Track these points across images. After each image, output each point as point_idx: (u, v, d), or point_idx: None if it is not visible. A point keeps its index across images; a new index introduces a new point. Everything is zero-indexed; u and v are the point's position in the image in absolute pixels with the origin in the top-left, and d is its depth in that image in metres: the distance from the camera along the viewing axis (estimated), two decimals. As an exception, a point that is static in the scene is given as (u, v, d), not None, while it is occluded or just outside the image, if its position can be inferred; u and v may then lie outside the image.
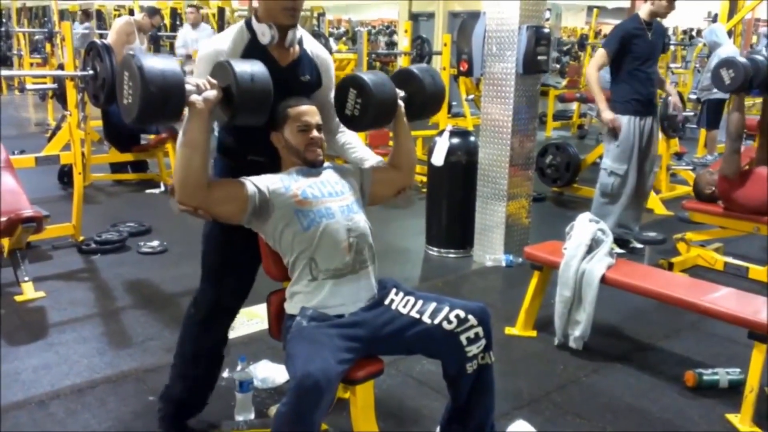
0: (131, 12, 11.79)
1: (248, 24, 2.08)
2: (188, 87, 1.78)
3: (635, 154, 4.32)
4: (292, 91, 2.06)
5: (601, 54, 4.33)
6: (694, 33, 17.40)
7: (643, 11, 4.27)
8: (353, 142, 2.30)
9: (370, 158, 2.26)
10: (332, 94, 2.22)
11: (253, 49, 2.02)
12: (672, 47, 11.57)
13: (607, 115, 4.27)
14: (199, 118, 1.82)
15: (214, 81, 1.84)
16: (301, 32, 2.14)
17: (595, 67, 4.35)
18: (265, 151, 2.10)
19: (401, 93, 2.15)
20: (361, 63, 7.31)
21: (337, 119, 2.26)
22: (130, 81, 1.72)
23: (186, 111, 1.82)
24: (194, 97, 1.80)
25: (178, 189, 1.87)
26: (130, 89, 1.72)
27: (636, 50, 4.22)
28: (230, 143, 2.11)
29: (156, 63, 1.70)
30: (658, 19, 4.33)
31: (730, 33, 7.73)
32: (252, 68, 1.83)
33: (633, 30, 4.25)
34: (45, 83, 6.52)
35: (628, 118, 4.28)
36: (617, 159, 4.33)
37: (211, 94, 1.81)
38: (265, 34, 2.02)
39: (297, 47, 2.12)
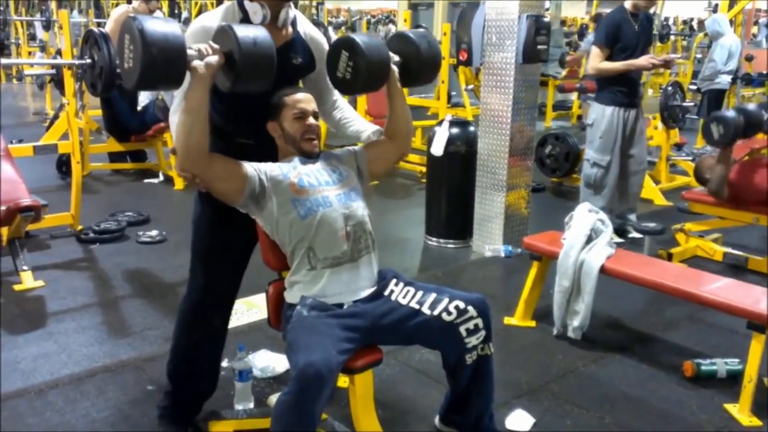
0: (129, 0, 11.72)
1: (240, 3, 2.04)
2: (190, 52, 1.75)
3: (618, 146, 4.32)
4: (284, 75, 2.02)
5: (596, 52, 4.31)
6: (695, 24, 17.34)
7: (628, 2, 4.27)
8: (349, 116, 2.28)
9: (367, 129, 2.24)
10: (328, 78, 2.20)
11: None
12: (672, 37, 11.52)
13: (644, 61, 4.19)
14: (201, 83, 1.80)
15: (216, 46, 1.81)
16: (294, 13, 2.11)
17: (596, 62, 4.31)
18: (255, 134, 2.08)
19: (396, 58, 2.12)
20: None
21: (333, 99, 2.25)
22: (131, 44, 1.69)
23: (187, 77, 1.80)
24: (196, 63, 1.77)
25: (180, 155, 1.86)
26: (131, 53, 1.69)
27: (623, 40, 4.22)
28: (219, 123, 2.06)
29: (157, 26, 1.68)
30: (651, 10, 4.31)
31: (730, 23, 7.71)
32: (254, 33, 1.80)
33: (619, 20, 4.25)
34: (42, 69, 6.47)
35: (612, 108, 4.28)
36: (600, 150, 4.34)
37: (213, 59, 1.79)
38: (257, 12, 1.99)
39: (290, 29, 2.09)
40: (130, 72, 1.71)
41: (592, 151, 4.39)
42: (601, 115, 4.32)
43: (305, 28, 2.16)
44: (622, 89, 4.27)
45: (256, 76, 1.83)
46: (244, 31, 1.78)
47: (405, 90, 2.31)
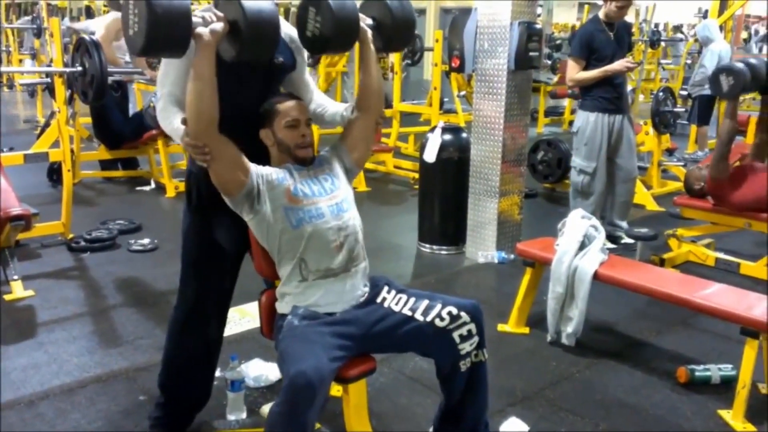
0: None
1: (216, 5, 2.05)
2: (195, 20, 1.76)
3: (604, 152, 4.32)
4: (267, 74, 2.04)
5: (571, 64, 4.34)
6: (684, 29, 17.42)
7: (602, 12, 4.30)
8: (322, 103, 2.28)
9: (340, 108, 2.24)
10: (306, 75, 2.24)
11: None
12: (663, 43, 11.58)
13: (619, 65, 4.20)
14: (206, 51, 1.80)
15: (220, 14, 1.81)
16: None
17: (573, 73, 4.34)
18: (246, 139, 2.07)
19: (368, 20, 2.13)
20: (352, 59, 7.27)
21: (309, 95, 2.26)
22: (135, 8, 1.69)
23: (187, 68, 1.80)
24: (201, 29, 1.78)
25: (192, 122, 1.86)
26: (135, 17, 1.69)
27: (597, 50, 4.23)
28: None
29: None
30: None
31: (720, 29, 7.75)
32: (259, 1, 1.81)
33: (593, 31, 4.28)
34: (34, 78, 6.44)
35: (596, 115, 4.29)
36: (585, 157, 4.35)
37: (219, 26, 1.79)
38: None
39: None
40: (136, 37, 1.71)
41: (578, 159, 4.41)
42: (585, 122, 4.33)
43: (284, 28, 2.17)
44: (604, 95, 4.28)
45: (261, 44, 1.83)
46: None
47: (396, 95, 2.30)
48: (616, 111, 4.31)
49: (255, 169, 1.98)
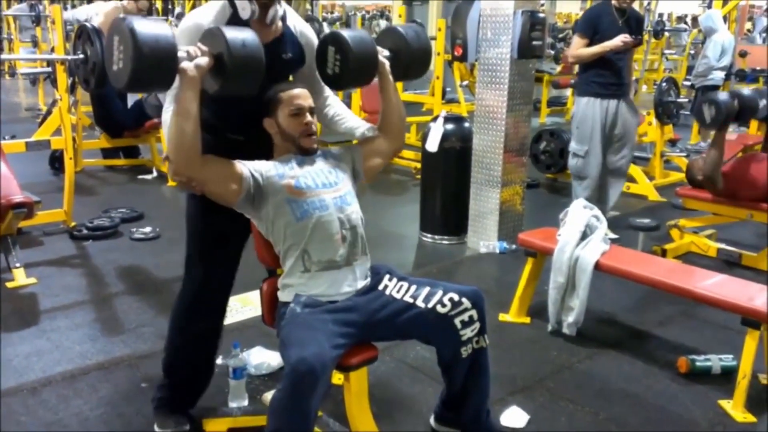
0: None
1: None
2: (179, 54, 1.74)
3: (597, 136, 4.30)
4: (274, 69, 2.02)
5: (576, 41, 4.34)
6: (688, 19, 17.36)
7: None
8: (341, 112, 2.27)
9: (361, 126, 2.23)
10: (317, 72, 2.21)
11: (234, 25, 1.97)
12: (667, 34, 11.52)
13: (617, 41, 4.16)
14: (190, 86, 1.79)
15: (205, 48, 1.80)
16: (284, 8, 2.11)
17: (574, 50, 4.33)
18: (244, 129, 2.07)
19: (386, 52, 2.14)
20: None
21: (325, 96, 2.25)
22: (120, 45, 1.67)
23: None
24: (185, 64, 1.76)
25: (173, 157, 1.85)
26: (120, 54, 1.68)
27: (601, 32, 4.21)
28: (209, 119, 2.03)
29: (148, 27, 1.66)
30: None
31: (724, 19, 7.72)
32: (243, 35, 1.79)
33: (600, 12, 4.27)
34: (36, 67, 6.43)
35: (587, 99, 4.29)
36: (578, 140, 4.36)
37: (203, 61, 1.78)
38: (245, 8, 1.98)
39: (279, 24, 2.08)
40: (120, 74, 1.70)
41: (573, 142, 4.44)
42: (578, 106, 4.36)
43: (295, 23, 2.16)
44: (597, 80, 4.27)
45: (246, 79, 1.82)
46: (233, 33, 1.78)
47: (399, 85, 2.31)
48: (610, 96, 4.28)
49: (250, 171, 1.96)
